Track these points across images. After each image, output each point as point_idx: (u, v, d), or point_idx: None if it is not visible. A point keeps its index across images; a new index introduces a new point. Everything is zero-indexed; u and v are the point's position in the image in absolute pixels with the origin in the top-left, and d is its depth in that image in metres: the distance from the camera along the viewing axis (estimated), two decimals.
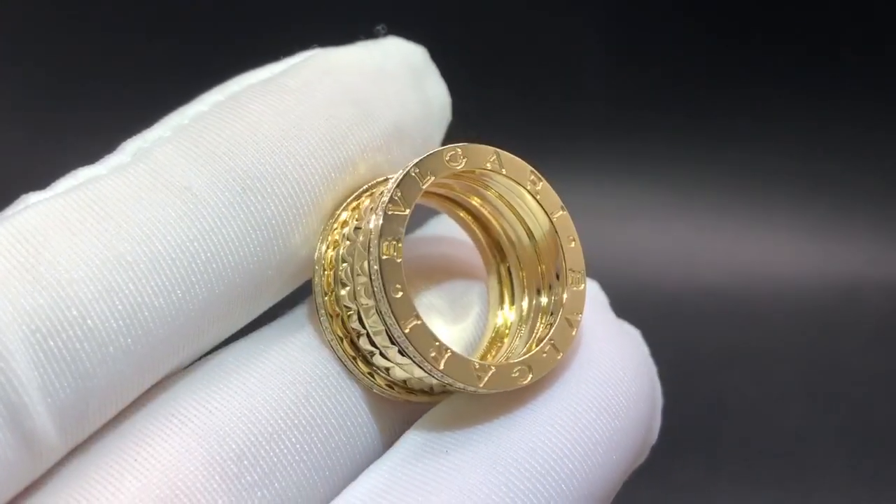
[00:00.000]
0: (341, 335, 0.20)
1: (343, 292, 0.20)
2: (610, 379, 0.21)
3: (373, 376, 0.20)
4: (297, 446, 0.19)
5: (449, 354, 0.19)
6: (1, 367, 0.16)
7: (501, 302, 0.23)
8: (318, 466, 0.19)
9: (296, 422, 0.19)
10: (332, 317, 0.20)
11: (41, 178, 0.19)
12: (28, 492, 0.18)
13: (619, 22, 0.55)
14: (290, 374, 0.20)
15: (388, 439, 0.20)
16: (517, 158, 0.21)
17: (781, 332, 0.53)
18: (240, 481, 0.18)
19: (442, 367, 0.19)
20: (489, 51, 0.54)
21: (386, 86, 0.22)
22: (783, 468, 0.48)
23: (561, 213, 0.21)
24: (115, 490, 0.17)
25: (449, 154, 0.20)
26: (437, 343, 0.19)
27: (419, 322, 0.19)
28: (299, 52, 0.22)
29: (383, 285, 0.19)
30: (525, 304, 0.22)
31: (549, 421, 0.20)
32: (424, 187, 0.20)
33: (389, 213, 0.19)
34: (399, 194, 0.19)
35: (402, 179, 0.19)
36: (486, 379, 0.19)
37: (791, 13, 0.55)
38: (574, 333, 0.20)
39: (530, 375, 0.20)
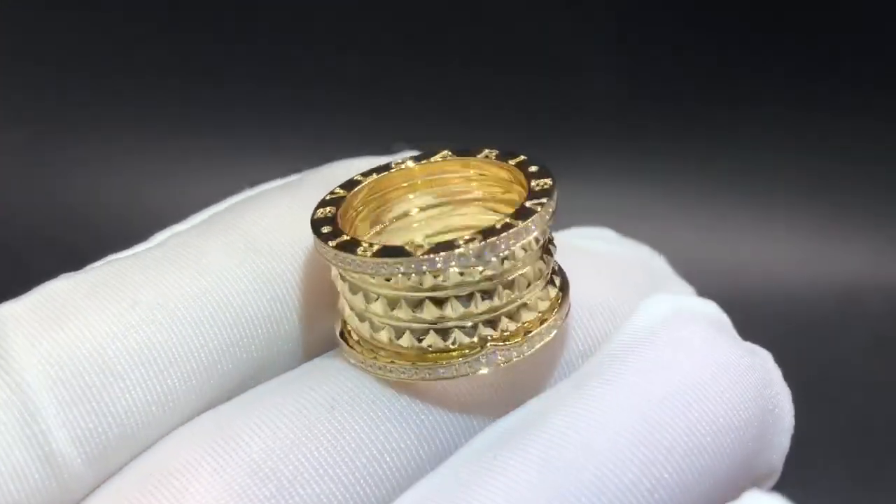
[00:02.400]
0: (352, 344, 0.20)
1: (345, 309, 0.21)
2: (693, 391, 0.19)
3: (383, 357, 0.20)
4: (321, 459, 0.18)
5: (379, 246, 0.19)
6: (21, 397, 0.18)
7: None
8: (348, 481, 0.18)
9: (318, 434, 0.19)
10: (344, 325, 0.21)
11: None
12: None
13: (622, 23, 0.55)
14: (315, 394, 0.19)
15: (432, 447, 0.20)
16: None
17: (779, 334, 0.53)
18: (254, 493, 0.18)
19: (374, 251, 0.19)
20: (492, 52, 0.55)
21: None
22: (782, 471, 0.48)
23: (520, 158, 0.21)
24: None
25: (396, 161, 0.22)
26: (367, 241, 0.19)
27: (347, 238, 0.19)
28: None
29: (315, 228, 0.20)
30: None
31: (612, 421, 0.18)
32: (365, 182, 0.22)
33: (328, 198, 0.21)
34: (340, 186, 0.21)
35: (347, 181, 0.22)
36: (425, 248, 0.19)
37: (792, 15, 0.55)
38: (547, 214, 0.20)
39: (479, 236, 0.19)
